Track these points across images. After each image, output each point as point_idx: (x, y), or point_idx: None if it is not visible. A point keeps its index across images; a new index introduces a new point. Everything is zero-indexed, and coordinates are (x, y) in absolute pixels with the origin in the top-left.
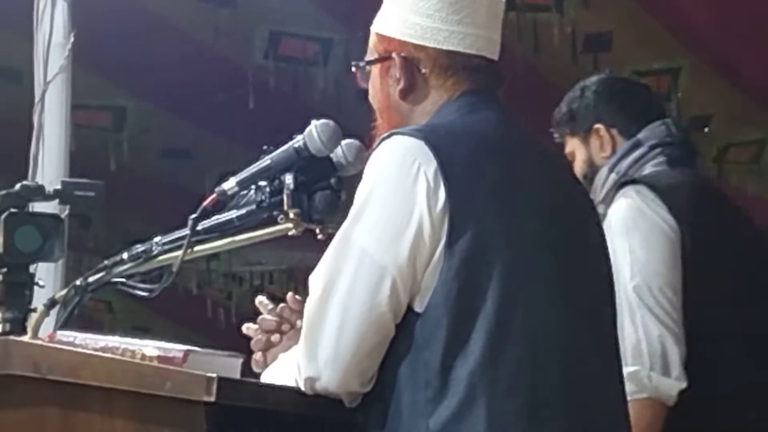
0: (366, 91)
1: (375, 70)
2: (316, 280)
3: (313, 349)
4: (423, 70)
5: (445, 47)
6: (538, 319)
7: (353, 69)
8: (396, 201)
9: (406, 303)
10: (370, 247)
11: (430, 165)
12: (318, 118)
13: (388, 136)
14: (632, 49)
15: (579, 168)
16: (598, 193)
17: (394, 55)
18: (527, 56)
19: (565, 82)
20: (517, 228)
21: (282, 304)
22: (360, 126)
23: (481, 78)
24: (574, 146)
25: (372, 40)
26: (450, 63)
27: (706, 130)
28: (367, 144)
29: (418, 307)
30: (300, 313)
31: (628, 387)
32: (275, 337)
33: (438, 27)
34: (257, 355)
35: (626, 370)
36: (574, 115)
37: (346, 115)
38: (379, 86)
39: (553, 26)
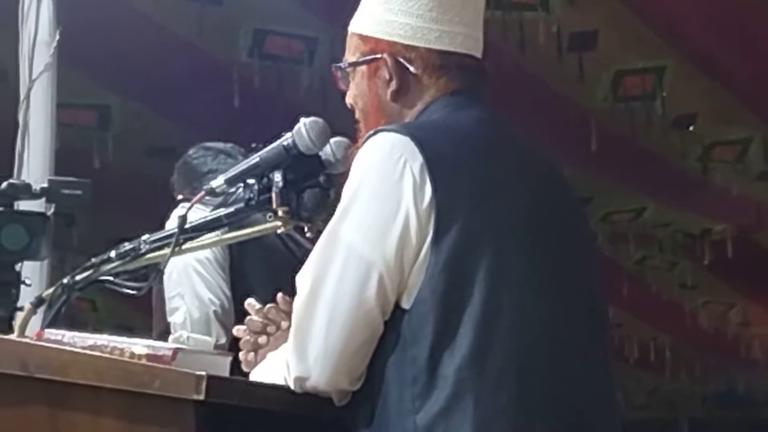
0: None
1: (360, 71)
2: (303, 277)
3: (302, 348)
4: (415, 71)
5: (436, 47)
6: (526, 314)
7: (333, 70)
8: (382, 197)
9: (394, 299)
10: (357, 243)
11: (416, 160)
12: (303, 116)
13: (374, 133)
14: (617, 48)
15: None
16: None
17: (385, 56)
18: (513, 54)
19: (550, 80)
20: (503, 223)
21: (269, 305)
22: (346, 124)
23: (470, 76)
24: None
25: (353, 41)
26: (442, 62)
27: (691, 128)
28: (353, 142)
29: (406, 304)
30: (288, 314)
31: None
32: (262, 339)
33: (429, 27)
34: (248, 356)
35: None
36: None
37: (332, 114)
38: (366, 88)
39: (539, 25)
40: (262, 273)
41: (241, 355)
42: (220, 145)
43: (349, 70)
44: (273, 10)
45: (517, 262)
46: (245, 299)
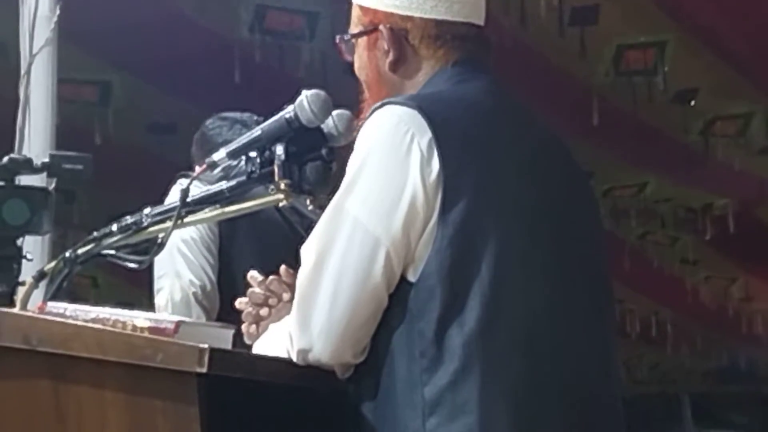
0: (352, 65)
1: (361, 43)
2: (308, 250)
3: (305, 320)
4: (412, 41)
5: (432, 16)
6: (532, 289)
7: (337, 42)
8: (389, 171)
9: (400, 273)
10: (363, 217)
11: (424, 135)
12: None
13: (381, 106)
14: (619, 22)
15: None
16: None
17: (381, 27)
18: (514, 29)
19: (551, 55)
20: (510, 197)
21: (272, 277)
22: (346, 100)
23: (470, 46)
24: None
25: (355, 12)
26: (438, 32)
27: (693, 103)
28: (356, 116)
29: (412, 277)
30: (290, 286)
31: None
32: (264, 311)
33: None
34: (249, 328)
35: None
36: None
37: (332, 89)
38: (366, 59)
39: None
40: (254, 251)
41: (243, 327)
42: (237, 114)
43: (352, 42)
44: None
45: (523, 237)
46: (234, 278)
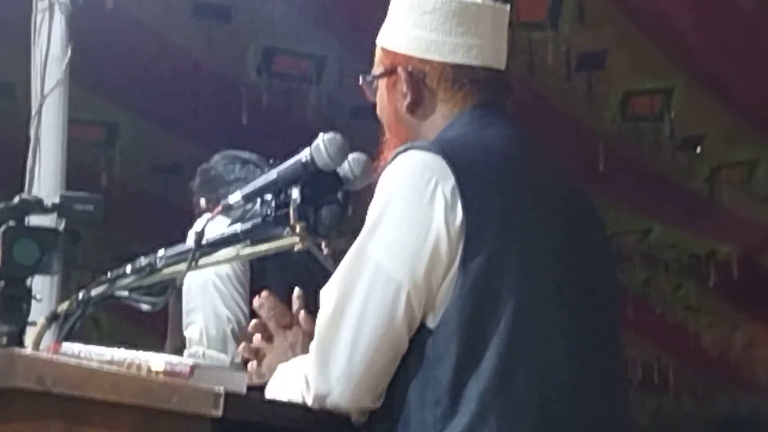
0: (359, 108)
1: (382, 84)
2: (328, 294)
3: (324, 364)
4: (430, 84)
5: (450, 60)
6: (550, 341)
7: (360, 82)
8: (413, 216)
9: (420, 317)
10: (386, 262)
11: (448, 181)
12: (311, 135)
13: (404, 150)
14: (626, 68)
15: None
16: None
17: (399, 69)
18: (521, 74)
19: (558, 99)
20: (530, 247)
21: (261, 301)
22: (353, 143)
23: (488, 90)
24: None
25: (378, 53)
26: (456, 76)
27: (699, 149)
28: (375, 157)
29: (431, 324)
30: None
31: None
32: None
33: (442, 40)
34: (251, 363)
35: None
36: None
37: (340, 132)
38: (386, 101)
39: (548, 44)
40: (282, 291)
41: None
42: (246, 154)
43: (374, 83)
44: (282, 28)
45: (542, 287)
46: None
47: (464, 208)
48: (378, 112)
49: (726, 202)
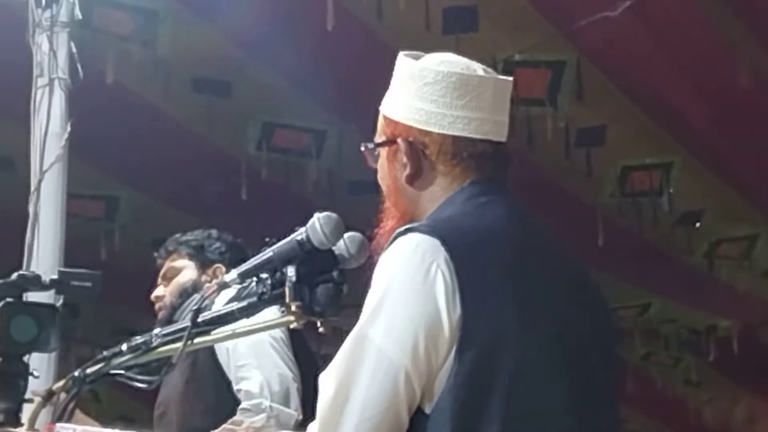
0: (359, 182)
1: (383, 152)
2: (329, 378)
3: None
4: (429, 156)
5: (449, 132)
6: (547, 426)
7: (362, 150)
8: (413, 301)
9: (419, 398)
10: (387, 347)
11: (447, 267)
12: (310, 209)
13: (404, 233)
14: (625, 143)
15: None
16: None
17: (399, 140)
18: (520, 150)
19: (557, 175)
20: (528, 335)
21: None
22: (352, 217)
23: (488, 164)
24: None
25: (380, 121)
26: (456, 149)
27: (697, 225)
28: (369, 235)
29: (427, 408)
30: None
31: None
32: None
33: (443, 112)
34: None
35: None
36: None
37: (339, 207)
38: (387, 170)
39: (547, 120)
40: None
41: None
42: (230, 237)
43: (376, 151)
44: (282, 103)
45: (539, 377)
46: None
47: (462, 296)
48: (378, 179)
49: (725, 277)
